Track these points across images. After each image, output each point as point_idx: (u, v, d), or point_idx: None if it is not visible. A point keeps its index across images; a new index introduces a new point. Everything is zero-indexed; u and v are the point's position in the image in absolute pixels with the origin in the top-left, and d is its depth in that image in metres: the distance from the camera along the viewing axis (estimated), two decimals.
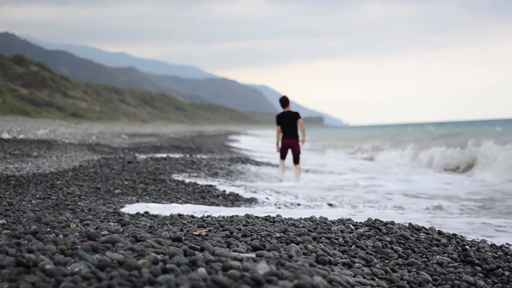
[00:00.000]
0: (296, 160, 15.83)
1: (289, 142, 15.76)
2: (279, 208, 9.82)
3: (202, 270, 3.38)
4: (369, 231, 6.00)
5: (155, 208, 8.42)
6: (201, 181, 12.47)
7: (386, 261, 5.23)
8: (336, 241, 5.57)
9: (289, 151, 16.02)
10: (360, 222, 6.46)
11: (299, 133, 16.04)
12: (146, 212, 7.81)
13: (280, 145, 15.92)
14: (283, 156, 15.92)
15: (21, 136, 27.23)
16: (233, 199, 10.45)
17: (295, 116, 15.76)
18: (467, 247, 5.80)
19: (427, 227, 6.50)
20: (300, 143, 15.95)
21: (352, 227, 6.17)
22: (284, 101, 16.03)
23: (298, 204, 10.39)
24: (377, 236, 5.85)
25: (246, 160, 21.33)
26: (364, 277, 4.55)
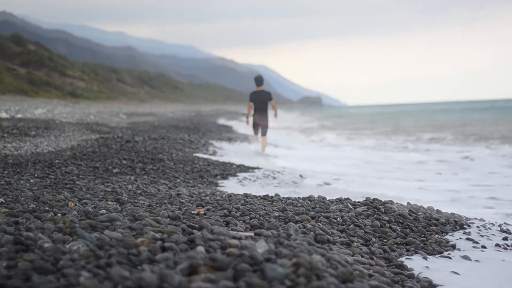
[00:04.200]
0: (264, 133, 17.63)
1: (260, 118, 17.72)
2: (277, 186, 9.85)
3: (200, 249, 3.38)
4: (367, 211, 6.01)
5: None
6: (199, 161, 12.46)
7: (385, 240, 5.23)
8: (335, 220, 5.57)
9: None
10: (358, 202, 6.47)
11: (270, 110, 18.12)
12: (142, 191, 7.81)
13: (251, 120, 17.83)
14: (256, 132, 18.10)
15: (19, 116, 27.15)
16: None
17: (267, 95, 17.75)
18: (465, 226, 5.81)
19: (425, 207, 6.51)
20: (269, 118, 18.23)
21: (351, 207, 6.18)
22: (259, 79, 17.92)
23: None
24: (375, 216, 5.86)
25: (244, 139, 21.33)
26: (362, 256, 4.56)
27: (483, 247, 5.34)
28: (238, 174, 11.09)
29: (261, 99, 17.70)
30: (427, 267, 4.66)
